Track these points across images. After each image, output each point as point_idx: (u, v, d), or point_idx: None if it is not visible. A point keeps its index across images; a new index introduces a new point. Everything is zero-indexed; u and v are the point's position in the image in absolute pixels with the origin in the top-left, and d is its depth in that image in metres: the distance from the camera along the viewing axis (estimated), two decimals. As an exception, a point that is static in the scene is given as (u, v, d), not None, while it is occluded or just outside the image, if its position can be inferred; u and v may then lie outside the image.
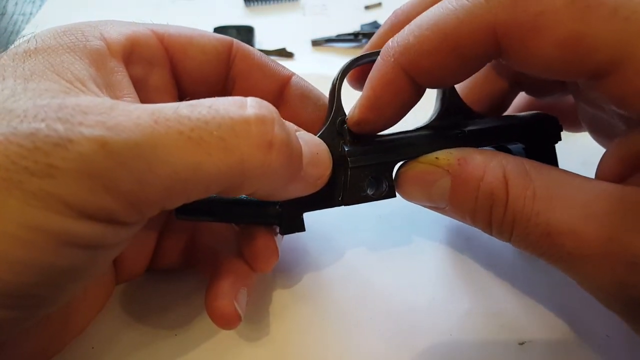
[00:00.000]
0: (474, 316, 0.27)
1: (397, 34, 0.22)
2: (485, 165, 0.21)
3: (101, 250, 0.17)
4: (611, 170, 0.21)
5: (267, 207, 0.24)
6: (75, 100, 0.16)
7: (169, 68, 0.25)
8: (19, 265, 0.15)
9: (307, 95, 0.27)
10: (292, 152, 0.20)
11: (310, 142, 0.22)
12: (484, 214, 0.21)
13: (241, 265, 0.25)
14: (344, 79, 0.25)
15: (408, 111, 0.23)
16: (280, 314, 0.27)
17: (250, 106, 0.19)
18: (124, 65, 0.22)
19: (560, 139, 0.26)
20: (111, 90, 0.20)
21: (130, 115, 0.16)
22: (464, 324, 0.27)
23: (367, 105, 0.23)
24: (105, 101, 0.17)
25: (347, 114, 0.25)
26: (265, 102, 0.19)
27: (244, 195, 0.23)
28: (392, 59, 0.21)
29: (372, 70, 0.23)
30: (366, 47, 0.27)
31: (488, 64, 0.28)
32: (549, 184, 0.20)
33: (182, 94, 0.26)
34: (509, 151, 0.26)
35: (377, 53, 0.24)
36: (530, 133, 0.25)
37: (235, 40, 0.26)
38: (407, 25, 0.21)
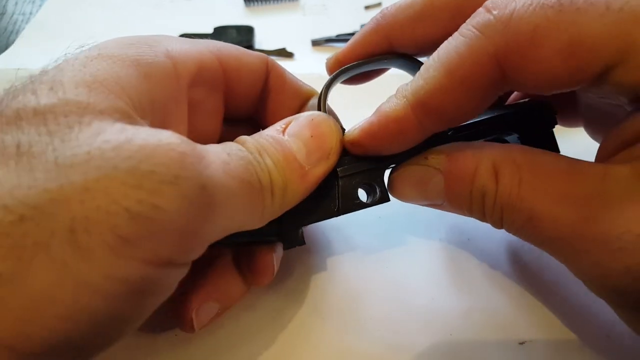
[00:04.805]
0: (474, 316, 0.27)
1: (411, 80, 0.22)
2: (475, 158, 0.22)
3: (161, 297, 0.17)
4: (613, 145, 0.21)
5: (266, 225, 0.24)
6: (162, 136, 0.16)
7: (223, 90, 0.25)
8: (92, 316, 0.14)
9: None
10: (293, 166, 0.21)
11: (301, 135, 0.22)
12: (478, 205, 0.22)
13: (229, 280, 0.25)
14: (328, 93, 0.26)
15: (407, 148, 0.23)
16: (280, 314, 0.27)
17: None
18: (187, 88, 0.21)
19: (556, 123, 0.25)
20: (163, 115, 0.20)
21: (208, 155, 0.17)
22: (463, 324, 0.27)
23: (368, 132, 0.23)
24: (194, 145, 0.17)
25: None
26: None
27: None
28: (404, 100, 0.21)
29: (384, 103, 0.23)
30: (350, 43, 0.27)
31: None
32: (535, 169, 0.20)
33: (225, 111, 0.26)
34: (505, 142, 0.26)
35: (359, 64, 0.25)
36: (524, 122, 0.25)
37: (269, 58, 0.26)
38: (418, 71, 0.22)
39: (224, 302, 0.25)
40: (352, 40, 0.27)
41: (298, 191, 0.22)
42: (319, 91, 0.26)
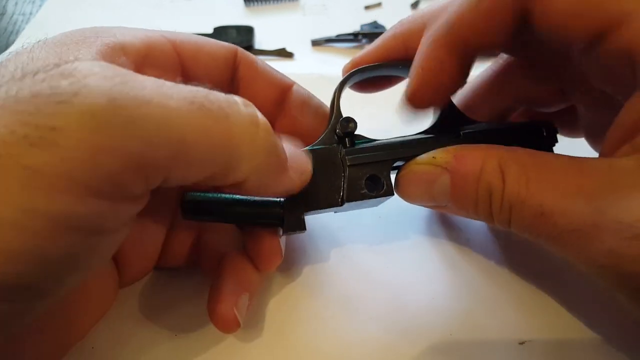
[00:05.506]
0: (474, 316, 0.27)
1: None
2: (481, 157, 0.22)
3: (103, 236, 0.17)
4: (616, 139, 0.21)
5: (270, 208, 0.24)
6: (77, 63, 0.16)
7: (180, 74, 0.25)
8: (16, 254, 0.14)
9: (307, 103, 0.28)
10: (276, 139, 0.21)
11: (287, 147, 0.23)
12: (485, 205, 0.22)
13: (244, 268, 0.25)
14: (342, 89, 0.27)
15: (455, 87, 0.24)
16: (280, 314, 0.27)
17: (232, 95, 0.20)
18: (134, 66, 0.21)
19: (557, 141, 0.26)
20: None
21: (137, 77, 0.16)
22: (463, 324, 0.27)
23: (415, 76, 0.24)
24: (109, 66, 0.16)
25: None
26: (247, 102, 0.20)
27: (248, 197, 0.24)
28: (432, 32, 0.23)
29: (420, 47, 0.24)
30: (368, 48, 0.28)
31: (491, 77, 0.28)
32: (542, 167, 0.21)
33: None
34: None
35: (373, 67, 0.26)
36: (527, 135, 0.26)
37: (239, 48, 0.26)
38: None
39: (252, 291, 0.25)
40: (370, 45, 0.28)
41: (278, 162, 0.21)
42: (334, 90, 0.26)
